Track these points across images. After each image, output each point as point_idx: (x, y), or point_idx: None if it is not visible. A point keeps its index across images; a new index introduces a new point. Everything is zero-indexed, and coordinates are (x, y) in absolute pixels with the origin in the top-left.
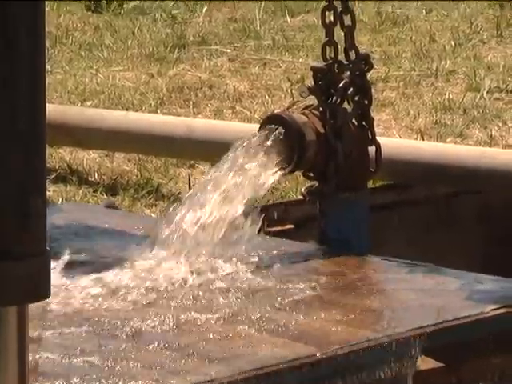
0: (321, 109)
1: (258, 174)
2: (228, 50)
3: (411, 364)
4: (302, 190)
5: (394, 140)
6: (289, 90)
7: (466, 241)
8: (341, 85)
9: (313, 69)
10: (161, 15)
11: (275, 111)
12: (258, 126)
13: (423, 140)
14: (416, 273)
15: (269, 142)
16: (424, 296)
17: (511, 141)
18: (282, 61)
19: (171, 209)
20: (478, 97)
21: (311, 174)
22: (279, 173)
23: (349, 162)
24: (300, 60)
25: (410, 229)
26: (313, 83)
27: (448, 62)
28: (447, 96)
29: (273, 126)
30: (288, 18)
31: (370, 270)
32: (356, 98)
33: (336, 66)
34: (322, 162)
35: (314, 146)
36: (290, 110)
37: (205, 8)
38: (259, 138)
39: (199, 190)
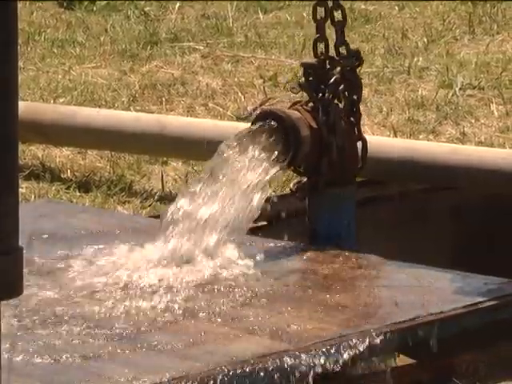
0: (312, 104)
1: (253, 170)
2: (201, 47)
3: (384, 360)
4: (291, 185)
5: (367, 137)
6: (261, 87)
7: (439, 237)
8: (332, 80)
9: (303, 65)
10: (133, 12)
11: (268, 107)
12: (230, 122)
13: (396, 137)
14: (389, 269)
15: (263, 139)
16: (397, 292)
17: (483, 138)
18: (254, 58)
19: (169, 205)
20: (451, 94)
21: (301, 170)
22: (275, 169)
23: (342, 157)
24: (273, 57)
25: (384, 225)
26: (303, 79)
27: (420, 58)
28: (420, 93)
29: (267, 121)
30: (261, 15)
31: (343, 266)
32: (347, 94)
33: (328, 61)
34: (315, 157)
35: (308, 141)
36: (262, 106)
37: (177, 5)
38: (254, 134)
39: (195, 187)
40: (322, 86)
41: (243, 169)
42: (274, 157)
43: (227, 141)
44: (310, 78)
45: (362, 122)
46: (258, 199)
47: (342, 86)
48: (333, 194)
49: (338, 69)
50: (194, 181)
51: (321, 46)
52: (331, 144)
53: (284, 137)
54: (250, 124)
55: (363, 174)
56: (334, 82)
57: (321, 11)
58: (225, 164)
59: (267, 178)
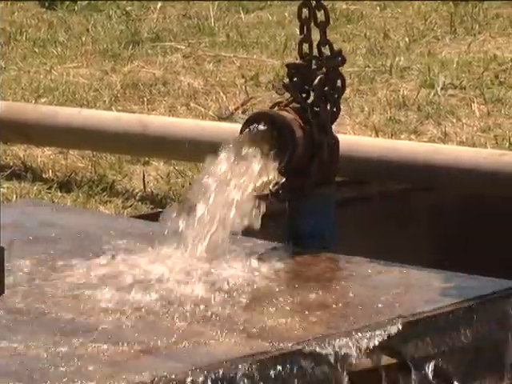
0: (297, 105)
1: (250, 173)
2: (182, 47)
3: (365, 360)
4: (270, 186)
5: (349, 137)
6: (243, 87)
7: (419, 237)
8: (316, 81)
9: (288, 66)
10: (115, 12)
11: (260, 109)
12: (212, 122)
13: (377, 137)
14: (372, 269)
15: (259, 141)
16: (380, 292)
17: (465, 137)
18: (236, 57)
19: (169, 208)
20: (432, 93)
21: (283, 170)
22: (271, 172)
23: (331, 157)
24: (254, 57)
25: (364, 225)
26: (287, 80)
27: (402, 58)
28: (401, 92)
29: (261, 124)
30: (242, 15)
31: (324, 267)
32: (331, 94)
33: (313, 62)
34: (306, 157)
35: (302, 142)
36: (244, 106)
37: (159, 4)
38: (248, 136)
39: (194, 192)
40: (306, 87)
41: (241, 173)
42: (270, 159)
43: (226, 144)
44: (295, 79)
45: (343, 122)
46: (257, 204)
47: (327, 86)
48: (320, 194)
49: (323, 69)
50: (193, 187)
51: (305, 47)
52: (323, 144)
53: (280, 139)
54: (233, 124)
55: (344, 173)
56: (319, 82)
57: (305, 11)
58: (223, 168)
59: (262, 181)
